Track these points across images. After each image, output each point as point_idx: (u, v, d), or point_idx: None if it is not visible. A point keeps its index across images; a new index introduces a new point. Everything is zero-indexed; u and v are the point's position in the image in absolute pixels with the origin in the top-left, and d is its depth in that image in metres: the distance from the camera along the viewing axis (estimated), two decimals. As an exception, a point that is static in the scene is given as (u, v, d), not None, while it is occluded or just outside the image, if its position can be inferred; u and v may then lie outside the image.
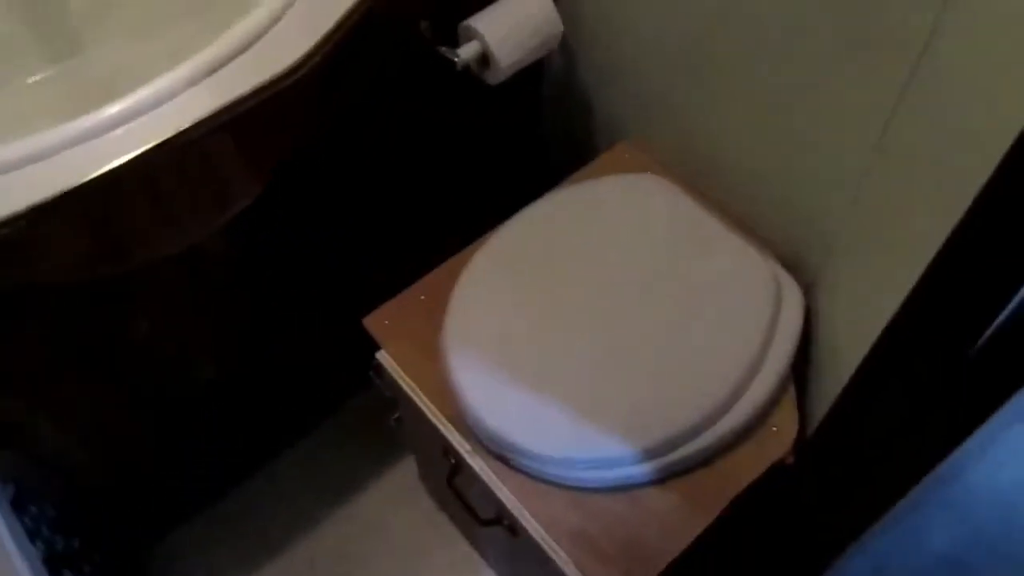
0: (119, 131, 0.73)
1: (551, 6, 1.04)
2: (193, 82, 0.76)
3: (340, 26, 0.81)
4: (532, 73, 1.18)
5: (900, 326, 0.61)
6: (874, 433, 0.71)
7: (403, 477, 1.39)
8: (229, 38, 0.78)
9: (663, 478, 0.87)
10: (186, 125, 0.73)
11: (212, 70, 0.77)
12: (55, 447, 1.01)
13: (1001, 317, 0.53)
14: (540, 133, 1.31)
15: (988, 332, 0.55)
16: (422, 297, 1.01)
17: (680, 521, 0.86)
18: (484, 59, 1.02)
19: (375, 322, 0.99)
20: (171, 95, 0.75)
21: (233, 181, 0.84)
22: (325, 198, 1.04)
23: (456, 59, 0.99)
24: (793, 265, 0.99)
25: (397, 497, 1.37)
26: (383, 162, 1.09)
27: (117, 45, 0.95)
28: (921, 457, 0.66)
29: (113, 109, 0.73)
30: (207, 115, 0.74)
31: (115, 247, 0.79)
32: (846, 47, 0.78)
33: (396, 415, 1.11)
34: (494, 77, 1.04)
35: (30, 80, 0.92)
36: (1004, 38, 0.59)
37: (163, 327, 0.99)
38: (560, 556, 0.84)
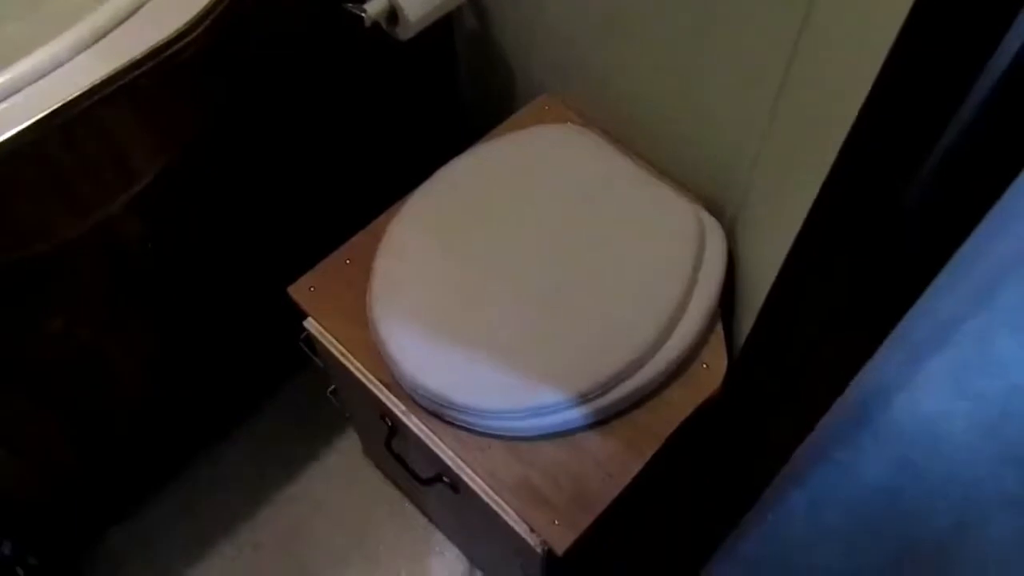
0: (5, 104, 0.69)
1: (457, -43, 1.02)
2: (79, 49, 0.73)
3: (233, -16, 0.78)
4: (444, 28, 1.16)
5: (805, 241, 0.63)
6: (792, 351, 0.73)
7: (348, 453, 1.37)
8: (114, 3, 0.75)
9: (600, 421, 0.88)
10: (76, 93, 0.70)
11: (99, 36, 0.74)
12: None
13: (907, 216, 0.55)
14: (457, 91, 1.29)
15: (897, 232, 0.56)
16: (347, 262, 0.99)
17: (619, 462, 0.86)
18: (392, 15, 1.00)
19: (300, 290, 0.97)
20: (56, 64, 0.72)
21: (133, 152, 0.81)
22: (237, 167, 1.01)
23: (363, 15, 0.97)
24: (714, 206, 1.01)
25: (343, 473, 1.36)
26: (296, 125, 1.06)
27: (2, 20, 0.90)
28: (841, 368, 0.68)
29: (-4, 80, 0.69)
30: (97, 82, 0.71)
31: (12, 230, 0.75)
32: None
33: (332, 387, 1.10)
34: (404, 32, 1.01)
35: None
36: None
37: (79, 320, 0.95)
38: (503, 507, 0.84)
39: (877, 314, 0.64)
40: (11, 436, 0.98)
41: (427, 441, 0.87)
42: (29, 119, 0.68)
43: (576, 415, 0.85)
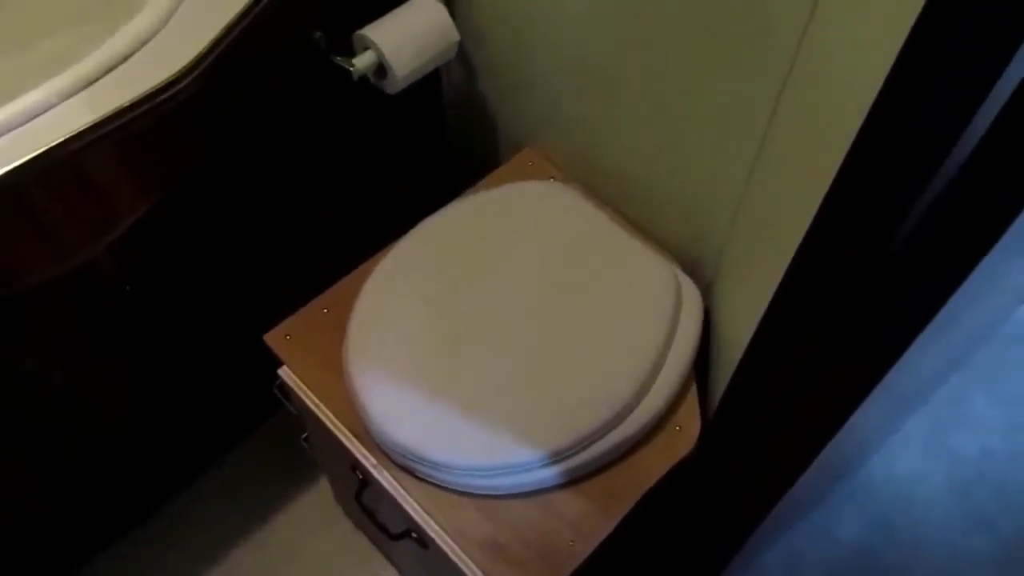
0: (-10, 145, 0.69)
1: (446, 15, 1.04)
2: (68, 95, 0.73)
3: (224, 36, 0.79)
4: (431, 82, 1.18)
5: (780, 304, 0.64)
6: (766, 415, 0.74)
7: (319, 498, 1.36)
8: (107, 49, 0.76)
9: (571, 480, 0.88)
10: (61, 139, 0.70)
11: (89, 82, 0.74)
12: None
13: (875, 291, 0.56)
14: (443, 142, 1.31)
15: (867, 303, 0.57)
16: (325, 310, 0.99)
17: (589, 523, 0.86)
18: (381, 69, 1.02)
19: (276, 338, 0.97)
20: (45, 108, 0.72)
21: (118, 196, 0.81)
22: (221, 212, 1.01)
23: (352, 68, 0.98)
24: (691, 267, 1.02)
25: (313, 519, 1.34)
26: (281, 173, 1.07)
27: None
28: (815, 434, 0.68)
29: (-19, 123, 0.69)
30: (83, 128, 0.71)
31: (-2, 268, 0.75)
32: (719, 61, 0.82)
33: (305, 434, 1.09)
34: (392, 87, 1.03)
35: None
36: (858, 52, 0.62)
37: (51, 359, 0.94)
38: (470, 566, 0.83)
39: (853, 379, 0.65)
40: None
41: (397, 496, 0.86)
42: (11, 163, 0.68)
43: (548, 474, 0.85)
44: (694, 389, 0.95)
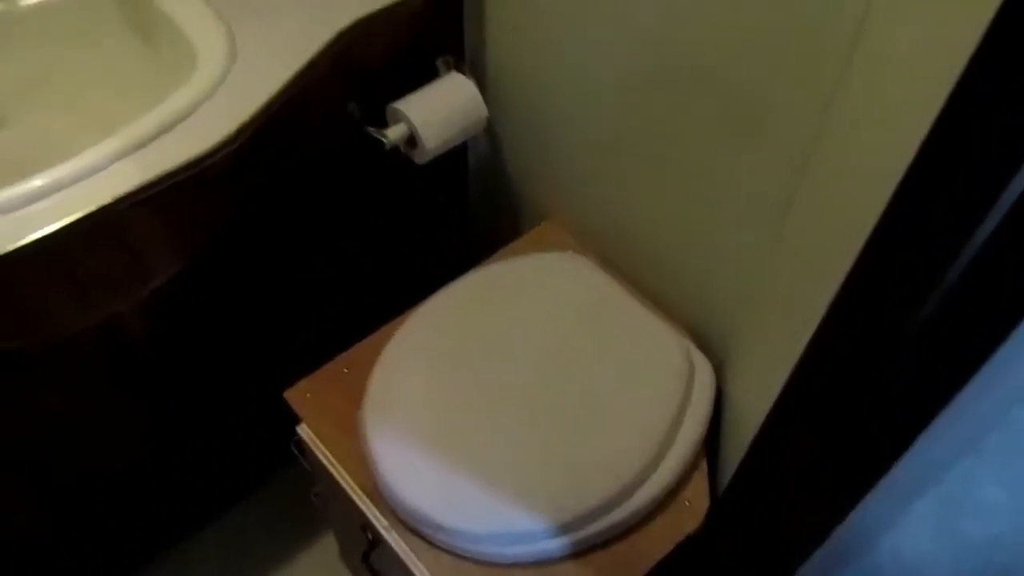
0: (40, 204, 0.73)
1: (476, 92, 1.08)
2: (117, 157, 0.77)
3: (267, 107, 0.84)
4: (458, 153, 1.22)
5: (795, 386, 0.65)
6: (777, 495, 0.74)
7: (323, 556, 1.36)
8: (157, 115, 0.80)
9: (578, 552, 0.88)
10: (108, 200, 0.74)
11: (137, 146, 0.78)
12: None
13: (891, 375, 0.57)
14: (466, 211, 1.35)
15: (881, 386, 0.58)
16: (345, 371, 1.02)
17: (595, 596, 0.87)
18: (411, 140, 1.06)
19: (296, 395, 0.99)
20: (94, 170, 0.76)
21: (153, 256, 0.84)
22: (249, 271, 1.04)
23: (384, 139, 1.03)
24: (704, 343, 1.04)
25: (318, 575, 1.34)
26: (309, 236, 1.10)
27: (45, 120, 0.95)
28: (826, 515, 0.69)
29: (35, 183, 0.73)
30: (129, 190, 0.75)
31: (30, 320, 0.78)
32: (738, 142, 0.85)
33: (317, 490, 1.10)
34: (421, 157, 1.07)
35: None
36: (880, 139, 0.65)
37: (73, 405, 0.96)
38: (475, 634, 0.83)
39: (866, 461, 0.66)
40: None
41: (406, 559, 0.87)
42: (57, 222, 0.71)
43: (555, 545, 0.86)
44: (704, 465, 0.96)
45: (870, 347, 0.57)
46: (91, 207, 0.73)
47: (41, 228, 0.71)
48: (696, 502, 0.94)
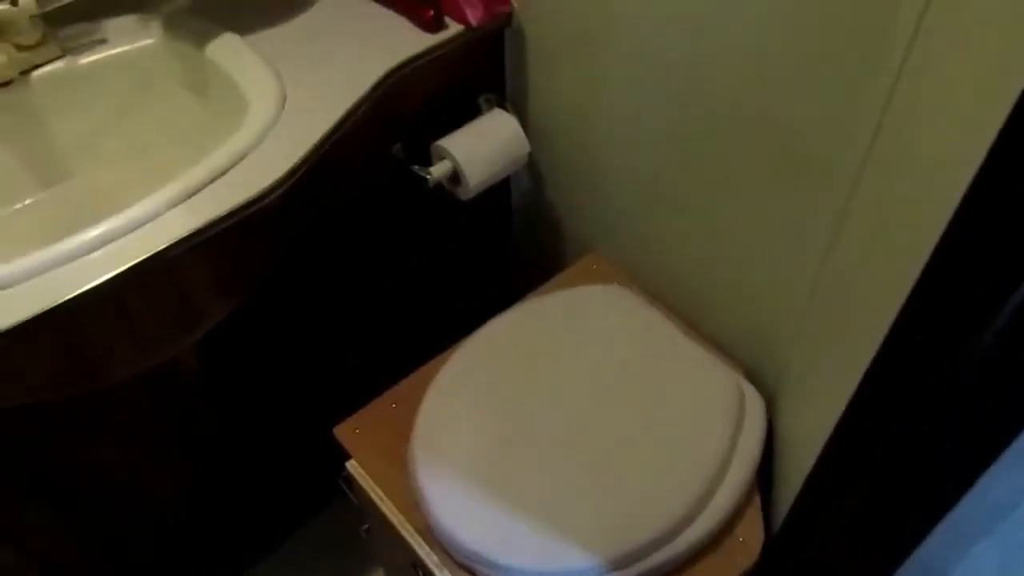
0: (98, 253, 0.75)
1: (518, 128, 1.09)
2: (172, 204, 0.79)
3: (315, 151, 0.86)
4: (501, 189, 1.23)
5: (850, 421, 0.63)
6: (835, 533, 0.72)
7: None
8: (208, 163, 0.82)
9: (630, 590, 0.87)
10: (162, 246, 0.76)
11: (190, 194, 0.80)
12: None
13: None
14: (510, 244, 1.36)
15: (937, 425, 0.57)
16: (393, 406, 1.02)
17: (648, 636, 0.85)
18: (455, 177, 1.07)
19: (345, 431, 1.00)
20: (149, 218, 0.78)
21: (207, 299, 0.86)
22: (297, 311, 1.06)
23: (428, 177, 1.04)
24: (755, 375, 1.02)
25: (368, 611, 1.34)
26: (357, 274, 1.12)
27: (103, 171, 0.99)
28: (887, 554, 0.67)
29: (93, 232, 0.76)
30: (182, 236, 0.77)
31: (88, 366, 0.80)
32: (784, 180, 0.85)
33: (366, 526, 1.11)
34: (464, 193, 1.08)
35: (17, 206, 0.95)
36: (925, 178, 0.64)
37: (125, 446, 0.98)
38: (527, 674, 0.83)
39: (928, 499, 0.64)
40: (28, 546, 0.99)
41: (457, 598, 0.87)
42: (113, 271, 0.74)
43: (607, 583, 0.85)
44: (757, 500, 0.94)
45: (927, 382, 0.56)
46: (146, 253, 0.75)
47: (100, 275, 0.73)
48: (750, 539, 0.92)
